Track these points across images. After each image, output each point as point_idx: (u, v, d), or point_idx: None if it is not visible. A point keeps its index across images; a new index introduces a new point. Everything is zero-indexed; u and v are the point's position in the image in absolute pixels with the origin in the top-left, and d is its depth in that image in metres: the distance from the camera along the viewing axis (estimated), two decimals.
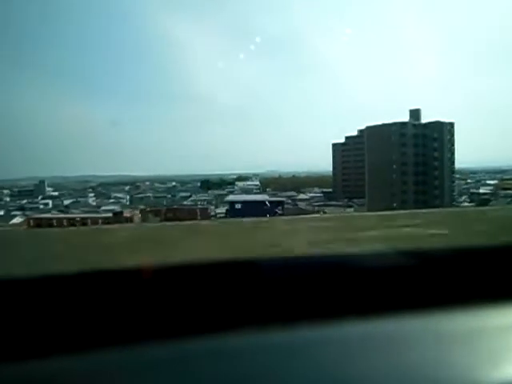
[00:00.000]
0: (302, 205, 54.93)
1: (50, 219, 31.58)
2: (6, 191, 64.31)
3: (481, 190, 59.40)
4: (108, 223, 30.81)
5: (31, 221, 31.45)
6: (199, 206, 49.99)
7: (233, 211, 40.71)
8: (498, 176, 67.95)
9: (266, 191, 70.38)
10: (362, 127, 58.51)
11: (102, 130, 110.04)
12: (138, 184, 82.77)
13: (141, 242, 9.55)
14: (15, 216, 44.30)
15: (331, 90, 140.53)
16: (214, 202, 57.91)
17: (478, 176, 75.85)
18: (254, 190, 70.99)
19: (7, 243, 10.08)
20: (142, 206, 51.20)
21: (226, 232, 10.64)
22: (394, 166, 50.83)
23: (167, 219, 40.56)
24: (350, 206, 52.82)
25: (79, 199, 63.66)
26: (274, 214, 39.53)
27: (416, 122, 52.99)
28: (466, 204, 53.85)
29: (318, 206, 52.27)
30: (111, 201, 63.92)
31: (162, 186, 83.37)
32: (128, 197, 68.74)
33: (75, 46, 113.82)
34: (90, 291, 0.91)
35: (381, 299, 0.95)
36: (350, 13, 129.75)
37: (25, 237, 14.69)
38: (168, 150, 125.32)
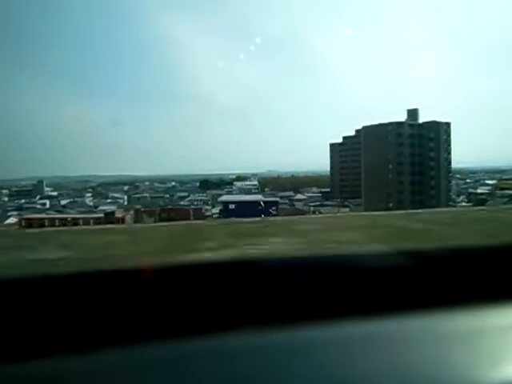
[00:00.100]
0: (298, 205, 54.93)
1: (42, 219, 31.73)
2: (4, 191, 64.60)
3: (478, 190, 59.17)
4: (99, 223, 30.90)
5: (23, 221, 31.63)
6: (192, 207, 50.06)
7: (226, 211, 40.75)
8: (497, 176, 67.65)
9: (264, 191, 70.46)
10: (360, 127, 58.40)
11: (103, 130, 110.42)
12: (137, 184, 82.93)
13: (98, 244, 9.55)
14: (11, 216, 44.51)
15: (331, 90, 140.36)
16: (210, 202, 57.93)
17: (477, 176, 75.55)
18: (253, 190, 71.01)
19: None
20: (137, 206, 51.30)
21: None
22: (390, 166, 50.67)
23: (161, 219, 40.65)
24: (347, 206, 52.70)
25: (76, 199, 63.83)
26: (268, 214, 39.55)
27: (412, 122, 52.79)
28: (464, 204, 53.71)
29: (314, 206, 52.18)
30: (109, 201, 64.05)
31: (162, 185, 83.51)
32: (126, 197, 68.86)
33: (75, 46, 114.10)
34: (90, 291, 0.91)
35: (381, 299, 0.95)
36: (349, 13, 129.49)
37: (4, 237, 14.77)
38: (168, 150, 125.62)
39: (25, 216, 35.97)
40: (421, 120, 53.71)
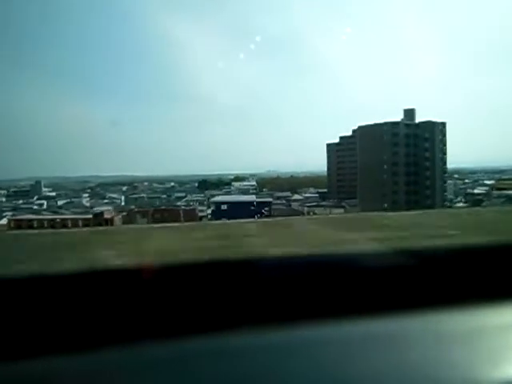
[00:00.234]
0: (295, 205, 54.79)
1: (31, 220, 31.84)
2: (2, 191, 64.98)
3: (475, 191, 58.76)
4: (88, 225, 30.96)
5: (12, 222, 31.75)
6: (185, 207, 50.04)
7: (218, 212, 40.72)
8: (497, 176, 67.18)
9: (262, 191, 70.40)
10: (356, 127, 58.14)
11: (102, 130, 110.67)
12: (136, 184, 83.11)
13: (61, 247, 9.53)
14: (5, 217, 44.70)
15: (331, 89, 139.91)
16: (205, 203, 57.91)
17: (476, 176, 75.02)
18: (251, 191, 70.91)
19: None
20: (132, 207, 51.40)
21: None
22: (385, 167, 50.41)
23: (155, 220, 40.69)
24: (342, 207, 52.50)
25: (73, 200, 64.05)
26: (261, 214, 39.46)
27: (408, 122, 52.48)
28: (461, 204, 53.37)
29: (310, 206, 52.01)
30: (106, 201, 64.23)
31: (160, 186, 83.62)
32: (123, 197, 69.01)
33: (75, 46, 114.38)
34: (90, 291, 0.91)
35: (381, 299, 0.96)
36: (349, 13, 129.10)
37: None
38: (168, 150, 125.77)
39: (14, 217, 36.13)
40: (418, 120, 53.48)
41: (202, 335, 0.82)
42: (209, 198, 60.68)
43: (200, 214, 50.40)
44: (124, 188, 78.92)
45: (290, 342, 0.83)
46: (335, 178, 68.04)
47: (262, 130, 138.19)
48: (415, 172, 51.19)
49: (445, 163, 53.87)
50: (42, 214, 44.60)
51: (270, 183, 80.00)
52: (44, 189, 71.22)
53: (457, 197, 59.19)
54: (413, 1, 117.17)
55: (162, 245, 7.81)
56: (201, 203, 58.54)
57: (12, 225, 30.72)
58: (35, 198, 63.85)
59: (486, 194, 54.06)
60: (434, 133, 52.10)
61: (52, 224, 30.81)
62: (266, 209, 42.13)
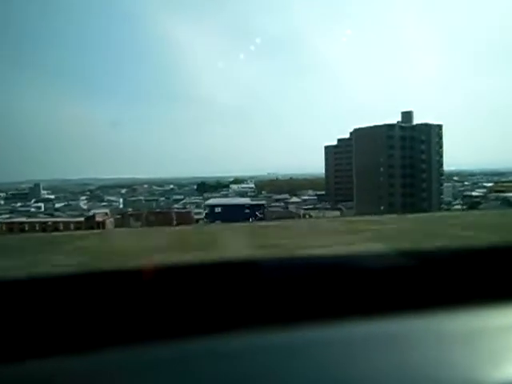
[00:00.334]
0: (292, 208, 54.69)
1: (22, 223, 31.95)
2: (2, 194, 65.35)
3: (473, 193, 58.40)
4: (79, 228, 31.03)
5: (3, 225, 31.88)
6: (179, 210, 50.06)
7: (212, 215, 40.68)
8: (496, 178, 66.84)
9: (261, 194, 70.36)
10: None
11: (103, 132, 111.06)
12: (135, 187, 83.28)
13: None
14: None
15: (332, 90, 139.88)
16: (202, 205, 57.92)
17: (475, 178, 74.57)
18: (249, 193, 70.96)
19: None
20: (128, 209, 51.49)
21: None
22: (382, 169, 50.21)
23: (149, 223, 40.73)
24: (339, 209, 52.32)
25: (71, 202, 64.25)
26: (255, 217, 39.40)
27: (404, 124, 52.27)
28: (458, 207, 53.04)
29: (305, 209, 51.91)
30: (103, 204, 64.34)
31: (160, 188, 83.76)
32: (121, 200, 69.14)
33: (75, 46, 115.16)
34: (91, 292, 0.91)
35: (382, 300, 0.96)
36: (349, 13, 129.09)
37: None
38: (168, 152, 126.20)
39: (6, 220, 36.28)
40: (415, 122, 53.21)
41: (204, 336, 0.82)
42: (205, 201, 60.71)
43: (196, 217, 50.47)
44: (123, 191, 79.08)
45: (291, 342, 0.83)
46: (333, 181, 67.84)
47: (262, 131, 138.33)
48: (411, 174, 50.94)
49: (441, 165, 53.59)
50: (38, 217, 44.73)
51: (268, 185, 79.92)
52: (43, 191, 71.55)
53: (456, 199, 58.85)
54: (413, 1, 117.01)
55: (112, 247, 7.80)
56: (198, 206, 58.56)
57: (4, 228, 30.85)
58: (33, 200, 64.08)
59: (484, 197, 53.69)
60: (431, 135, 51.84)
61: (43, 227, 30.91)
62: (260, 211, 42.02)
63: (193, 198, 69.59)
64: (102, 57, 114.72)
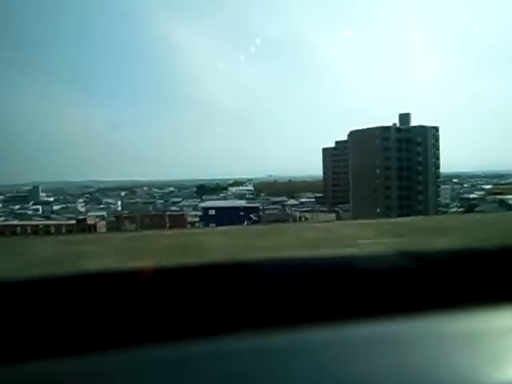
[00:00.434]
0: (289, 210, 54.63)
1: (15, 226, 32.07)
2: (1, 197, 65.66)
3: (471, 195, 58.13)
4: (71, 231, 31.11)
5: None
6: (173, 212, 50.12)
7: (206, 218, 40.72)
8: (495, 180, 66.53)
9: (259, 196, 70.30)
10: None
11: (103, 134, 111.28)
12: (135, 189, 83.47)
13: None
14: None
15: (332, 92, 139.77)
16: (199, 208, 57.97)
17: (474, 180, 74.23)
18: (247, 195, 70.94)
19: None
20: (125, 212, 51.62)
21: None
22: (378, 171, 50.02)
23: (143, 226, 40.83)
24: (336, 212, 52.19)
25: (69, 205, 64.46)
26: (250, 219, 39.38)
27: (400, 127, 52.06)
28: (456, 209, 52.79)
29: (302, 211, 51.81)
30: (101, 206, 64.56)
31: (159, 191, 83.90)
32: (119, 202, 69.31)
33: (75, 46, 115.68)
34: (91, 293, 0.92)
35: (382, 301, 0.96)
36: (350, 15, 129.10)
37: None
38: (168, 155, 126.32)
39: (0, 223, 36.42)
40: (413, 124, 52.98)
41: (204, 338, 0.82)
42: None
43: (193, 220, 50.54)
44: (123, 193, 79.27)
45: (291, 344, 0.83)
46: (331, 183, 67.71)
47: (262, 133, 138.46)
48: (408, 177, 50.71)
49: (438, 168, 53.28)
50: (34, 220, 44.89)
51: (267, 188, 79.83)
52: (42, 194, 71.79)
53: (454, 201, 58.60)
54: (414, 3, 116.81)
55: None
56: (196, 208, 58.65)
57: None
58: (31, 203, 64.34)
59: (481, 199, 53.38)
60: (427, 137, 51.57)
61: (35, 230, 31.01)
62: (254, 214, 41.99)
63: (191, 200, 69.64)
64: (102, 58, 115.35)
